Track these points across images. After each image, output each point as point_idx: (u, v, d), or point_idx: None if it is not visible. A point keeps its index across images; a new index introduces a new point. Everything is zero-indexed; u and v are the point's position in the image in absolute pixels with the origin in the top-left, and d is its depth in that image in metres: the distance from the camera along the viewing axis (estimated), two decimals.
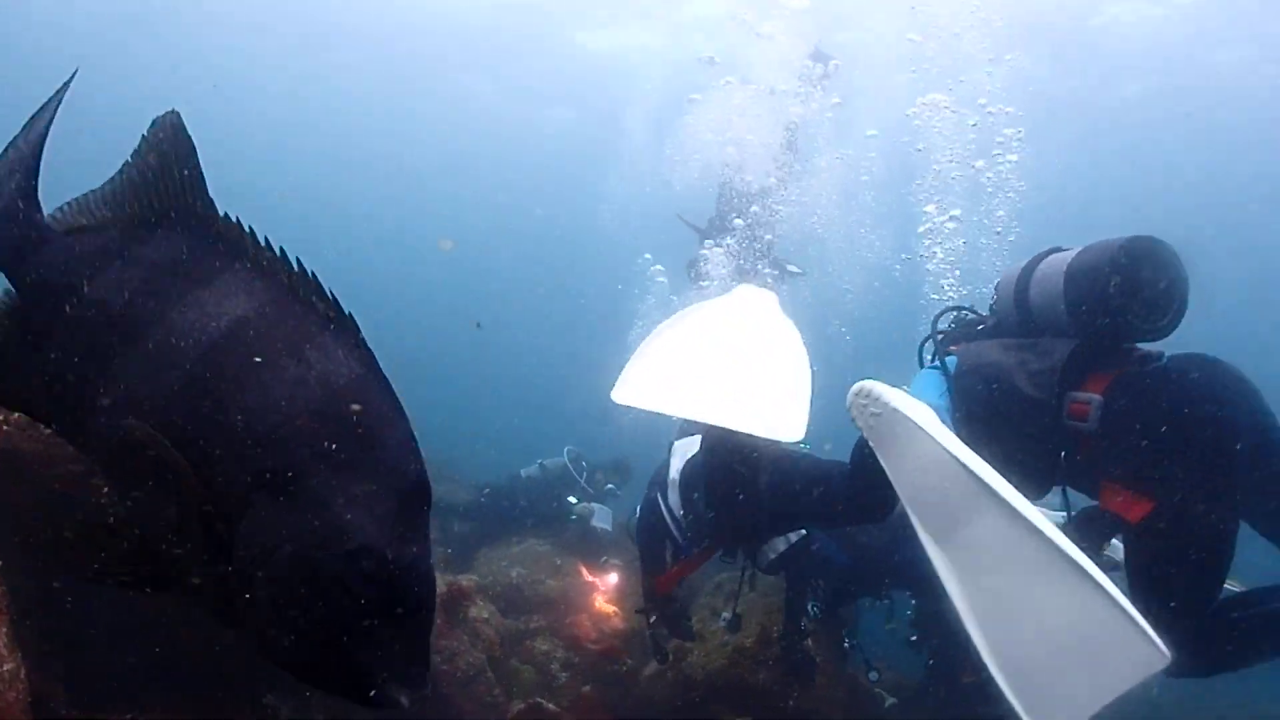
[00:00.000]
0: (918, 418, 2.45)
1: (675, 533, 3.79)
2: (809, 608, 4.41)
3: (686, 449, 3.84)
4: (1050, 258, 2.99)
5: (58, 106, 1.72)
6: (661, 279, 9.52)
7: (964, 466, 2.31)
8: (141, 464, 1.30)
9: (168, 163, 1.56)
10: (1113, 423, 2.66)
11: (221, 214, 1.53)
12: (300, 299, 1.44)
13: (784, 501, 3.32)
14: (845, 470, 3.04)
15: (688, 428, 4.14)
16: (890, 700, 5.57)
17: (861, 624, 5.43)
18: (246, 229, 1.50)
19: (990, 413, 2.87)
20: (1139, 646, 2.05)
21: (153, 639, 2.83)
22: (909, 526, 2.56)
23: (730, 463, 3.37)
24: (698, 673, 4.30)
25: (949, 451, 2.34)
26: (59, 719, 2.63)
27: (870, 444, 2.61)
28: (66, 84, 1.77)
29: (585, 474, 7.62)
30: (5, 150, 1.68)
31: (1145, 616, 2.58)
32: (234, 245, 1.49)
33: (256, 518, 1.28)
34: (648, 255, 9.85)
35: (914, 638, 5.33)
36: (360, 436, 1.32)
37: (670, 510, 3.76)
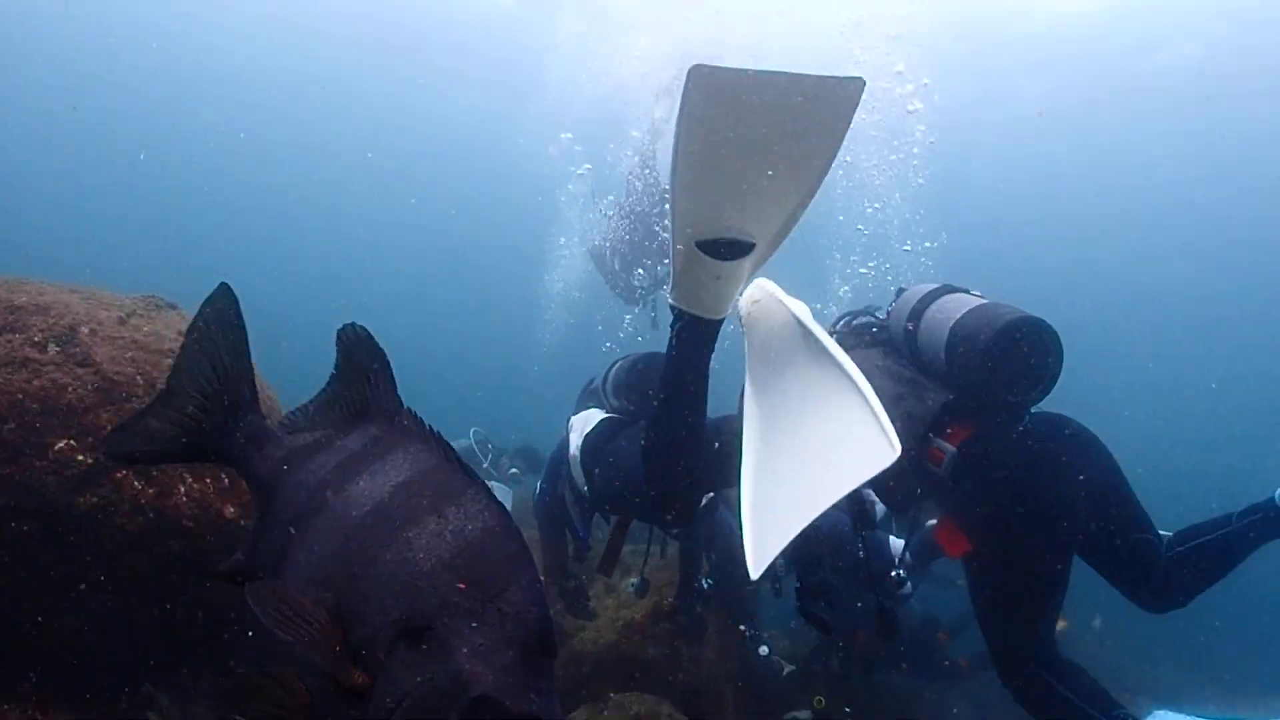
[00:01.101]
0: (790, 302, 2.71)
1: (574, 516, 3.92)
2: (702, 581, 4.60)
3: (585, 423, 3.94)
4: (944, 300, 3.16)
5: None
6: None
7: (804, 327, 2.61)
8: (289, 618, 1.40)
9: (362, 370, 1.83)
10: (960, 474, 3.01)
11: (405, 407, 1.78)
12: (449, 466, 1.62)
13: (612, 485, 3.52)
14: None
15: (585, 401, 4.25)
16: (789, 668, 5.83)
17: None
18: (417, 417, 1.75)
19: None
20: (872, 440, 2.23)
21: (20, 632, 2.85)
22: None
23: (598, 441, 3.56)
24: (588, 647, 4.44)
25: (798, 318, 2.64)
26: None
27: (745, 329, 2.85)
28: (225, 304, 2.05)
29: (490, 457, 7.70)
30: (214, 366, 1.99)
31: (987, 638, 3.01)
32: (407, 429, 1.73)
33: (393, 667, 1.33)
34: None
35: (802, 608, 5.58)
36: (484, 586, 1.38)
37: (572, 489, 3.89)
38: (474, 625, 1.33)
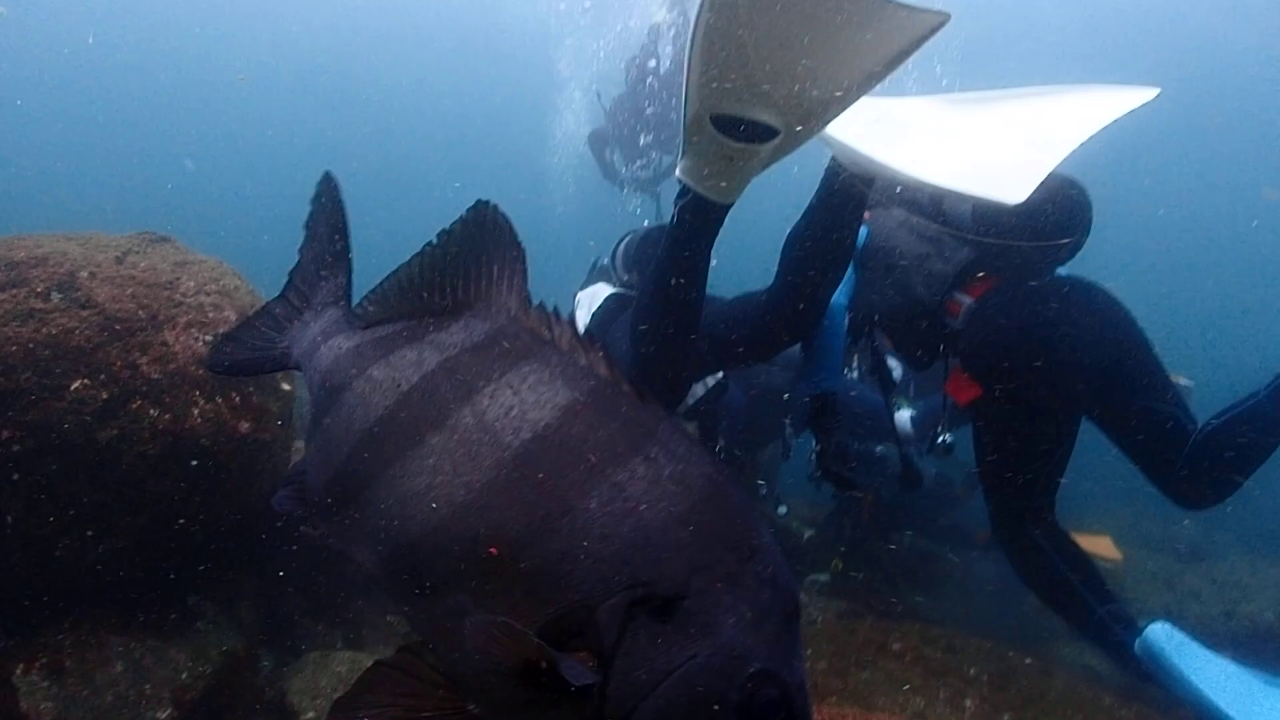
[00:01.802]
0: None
1: None
2: (717, 450, 4.84)
3: (592, 300, 4.06)
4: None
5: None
6: None
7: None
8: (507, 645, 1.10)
9: (478, 254, 1.46)
10: (974, 324, 3.01)
11: (536, 303, 1.43)
12: (627, 391, 1.29)
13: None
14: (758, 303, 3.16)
15: (594, 277, 4.39)
16: (809, 532, 6.11)
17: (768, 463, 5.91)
18: (563, 318, 1.39)
19: (886, 303, 3.19)
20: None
21: (62, 564, 3.13)
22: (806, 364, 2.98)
23: (602, 320, 3.64)
24: None
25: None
26: None
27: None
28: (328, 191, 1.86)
29: None
30: (316, 263, 1.82)
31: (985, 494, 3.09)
32: (537, 332, 1.38)
33: (636, 645, 1.11)
34: None
35: (816, 474, 5.83)
36: (734, 545, 1.18)
37: None
38: (736, 592, 1.14)
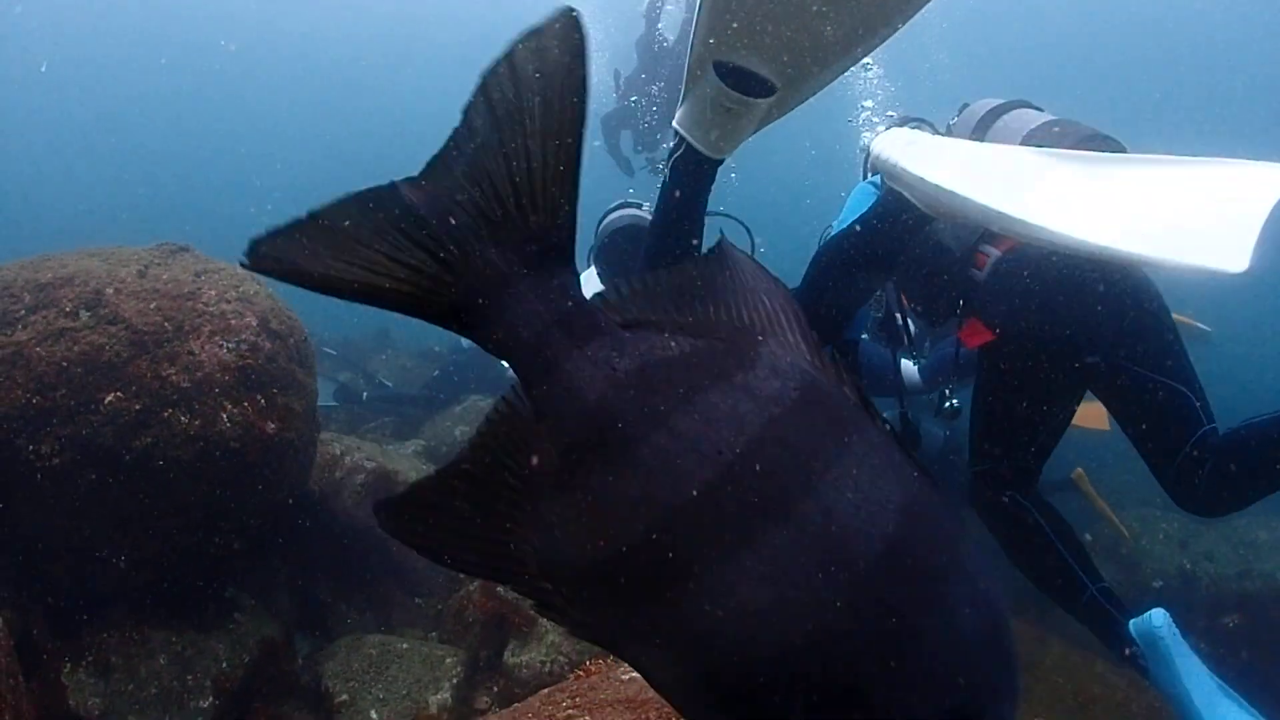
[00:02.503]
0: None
1: None
2: None
3: (588, 280, 4.15)
4: (1017, 113, 3.06)
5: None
6: None
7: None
8: None
9: (745, 282, 1.15)
10: (998, 275, 3.00)
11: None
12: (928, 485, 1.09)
13: None
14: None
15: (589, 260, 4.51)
16: None
17: None
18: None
19: (911, 253, 3.14)
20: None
21: (107, 566, 3.36)
22: None
23: None
24: None
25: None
26: (45, 651, 3.17)
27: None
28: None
29: None
30: (514, 160, 1.04)
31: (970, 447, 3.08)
32: (846, 394, 1.12)
33: None
34: None
35: None
36: (1012, 669, 1.01)
37: None
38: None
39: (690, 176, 2.51)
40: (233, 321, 3.54)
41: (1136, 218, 2.13)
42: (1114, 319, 2.86)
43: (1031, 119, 2.98)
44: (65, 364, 3.17)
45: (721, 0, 2.10)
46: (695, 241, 2.66)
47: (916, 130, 2.59)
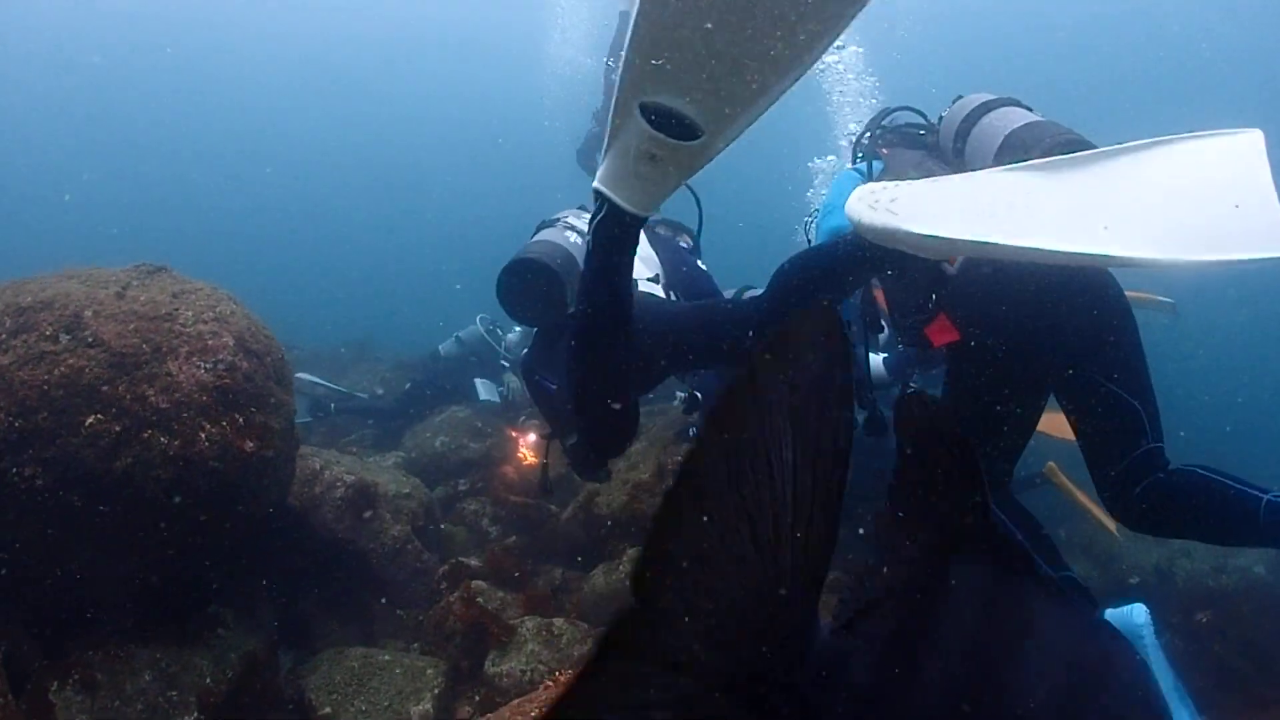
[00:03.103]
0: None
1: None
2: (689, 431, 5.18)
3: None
4: (1003, 111, 3.09)
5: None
6: None
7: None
8: None
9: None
10: (968, 271, 3.06)
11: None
12: None
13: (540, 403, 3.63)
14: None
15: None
16: None
17: None
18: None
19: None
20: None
21: (91, 585, 3.45)
22: None
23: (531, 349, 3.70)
24: (603, 510, 4.99)
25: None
26: (33, 670, 3.26)
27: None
28: None
29: (503, 341, 8.04)
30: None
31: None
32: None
33: None
34: None
35: None
36: None
37: None
38: None
39: (615, 240, 2.51)
40: (210, 342, 3.63)
41: (1170, 221, 2.28)
42: (1079, 325, 2.92)
43: (1015, 118, 3.03)
44: (46, 387, 3.25)
45: (649, 41, 2.08)
46: (624, 315, 2.64)
47: (883, 185, 2.61)
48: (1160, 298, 6.53)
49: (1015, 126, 2.97)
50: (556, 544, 5.30)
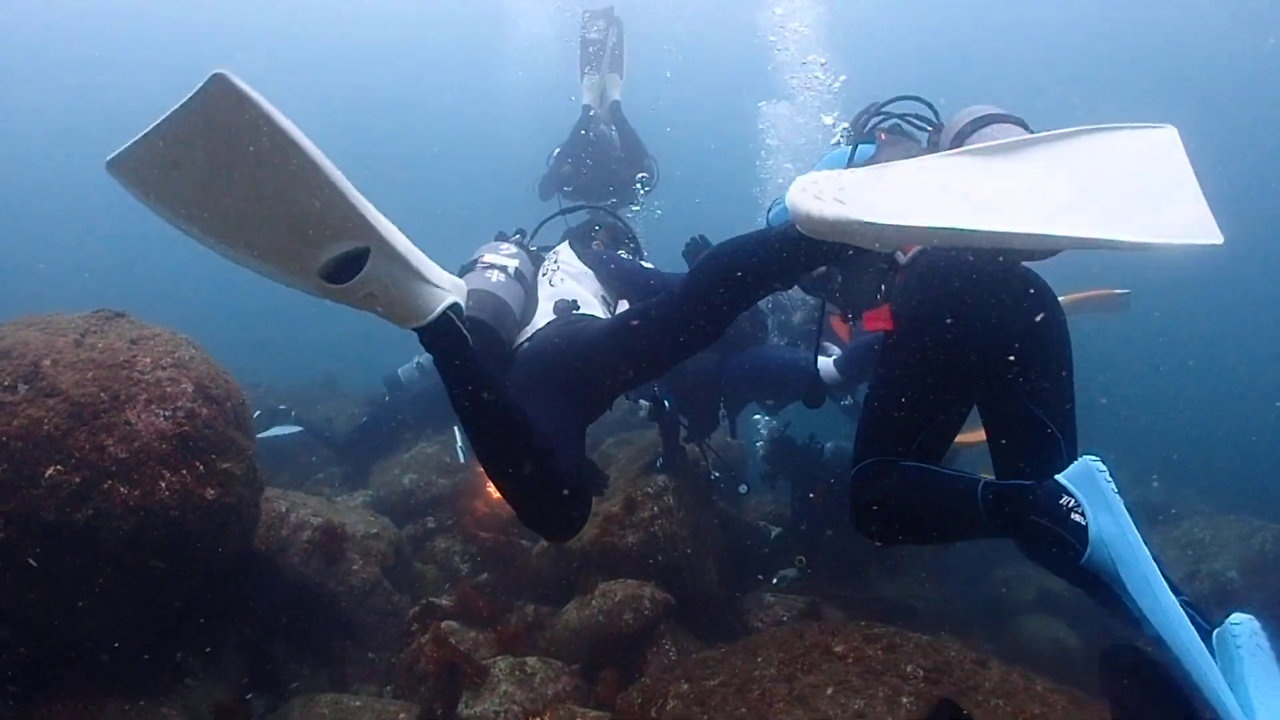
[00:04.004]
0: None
1: None
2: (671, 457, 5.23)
3: None
4: (1004, 127, 3.03)
5: None
6: None
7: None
8: None
9: None
10: (915, 264, 3.09)
11: None
12: None
13: None
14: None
15: None
16: (776, 530, 6.45)
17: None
18: None
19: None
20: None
21: (54, 638, 3.44)
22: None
23: None
24: (574, 544, 5.01)
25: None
26: None
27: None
28: None
29: None
30: None
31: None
32: None
33: None
34: None
35: (765, 470, 6.21)
36: None
37: None
38: None
39: (438, 352, 2.42)
40: (168, 389, 3.65)
41: (1115, 205, 2.31)
42: (1014, 335, 2.92)
43: (1011, 133, 2.96)
44: (5, 438, 3.26)
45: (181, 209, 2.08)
46: (498, 408, 2.55)
47: (824, 175, 2.45)
48: (1115, 290, 6.61)
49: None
50: (528, 579, 5.31)
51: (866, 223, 2.30)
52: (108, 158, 1.94)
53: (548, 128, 8.82)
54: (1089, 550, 2.44)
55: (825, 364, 5.25)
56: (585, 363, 3.06)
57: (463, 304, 2.46)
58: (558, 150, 8.31)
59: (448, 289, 2.39)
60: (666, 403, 4.73)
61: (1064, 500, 2.51)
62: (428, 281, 2.32)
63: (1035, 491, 2.57)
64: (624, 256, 4.06)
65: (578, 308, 3.45)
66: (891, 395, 3.01)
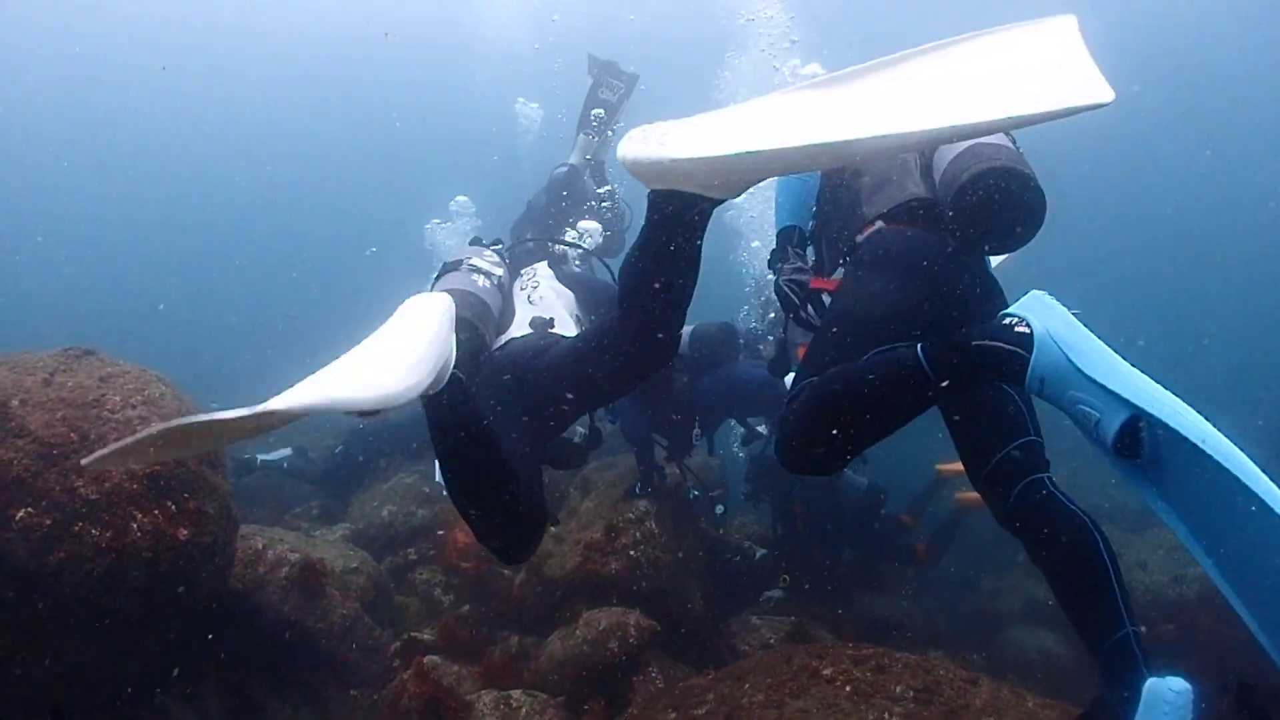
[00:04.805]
0: None
1: None
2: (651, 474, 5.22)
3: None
4: (975, 148, 2.97)
5: None
6: None
7: None
8: None
9: None
10: (870, 242, 3.10)
11: None
12: None
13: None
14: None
15: None
16: (761, 552, 6.45)
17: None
18: None
19: (836, 204, 3.39)
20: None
21: (30, 680, 3.38)
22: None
23: None
24: (556, 573, 4.98)
25: None
26: None
27: None
28: None
29: None
30: None
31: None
32: None
33: None
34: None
35: (747, 489, 6.21)
36: None
37: None
38: None
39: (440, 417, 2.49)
40: (138, 428, 3.60)
41: (983, 90, 2.20)
42: (961, 307, 2.89)
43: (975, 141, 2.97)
44: None
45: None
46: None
47: (654, 124, 2.46)
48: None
49: (961, 149, 2.94)
50: (511, 610, 5.27)
51: (676, 159, 2.31)
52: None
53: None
54: (1036, 348, 2.35)
55: (789, 383, 5.25)
56: (550, 380, 3.12)
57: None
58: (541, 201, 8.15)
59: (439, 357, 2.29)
60: (610, 424, 4.73)
61: (1008, 321, 2.46)
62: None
63: (975, 333, 2.49)
64: (599, 280, 4.08)
65: (553, 325, 3.50)
66: (826, 340, 2.95)
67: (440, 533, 6.25)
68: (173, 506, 3.59)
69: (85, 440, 3.50)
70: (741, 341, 5.74)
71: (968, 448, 2.94)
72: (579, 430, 4.34)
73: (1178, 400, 2.21)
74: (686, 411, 5.45)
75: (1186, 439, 2.15)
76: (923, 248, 2.97)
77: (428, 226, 9.57)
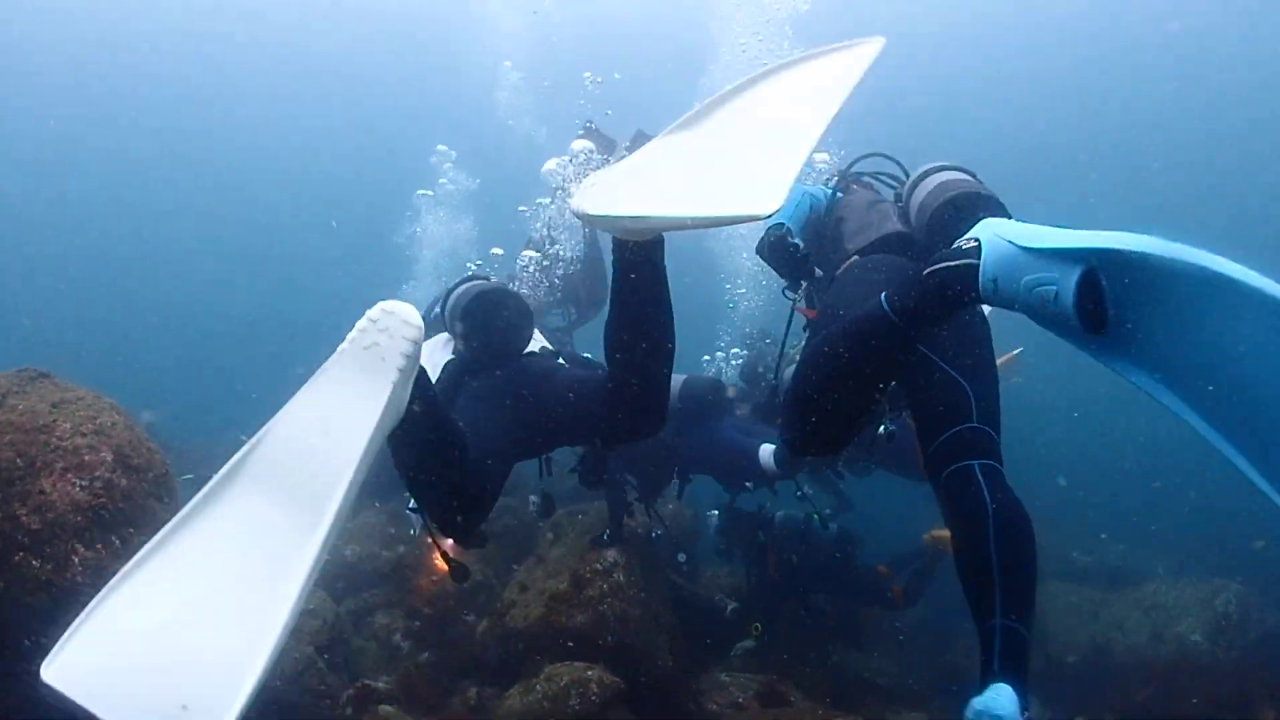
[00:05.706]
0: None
1: None
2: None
3: (431, 353, 4.06)
4: (942, 174, 3.20)
5: None
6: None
7: None
8: None
9: None
10: (849, 270, 3.25)
11: None
12: None
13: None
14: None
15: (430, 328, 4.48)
16: (732, 605, 6.34)
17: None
18: None
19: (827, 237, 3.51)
20: None
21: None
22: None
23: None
24: (519, 624, 4.85)
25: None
26: None
27: None
28: None
29: None
30: None
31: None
32: None
33: None
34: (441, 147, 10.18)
35: (721, 546, 6.14)
36: None
37: None
38: None
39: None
40: (87, 457, 3.49)
41: (708, 181, 2.37)
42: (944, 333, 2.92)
43: (944, 180, 3.13)
44: None
45: None
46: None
47: (597, 173, 2.68)
48: (1011, 354, 6.48)
49: (932, 186, 3.12)
50: (472, 660, 5.13)
51: (587, 214, 2.46)
52: None
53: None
54: (984, 248, 2.36)
55: (765, 453, 5.24)
56: (553, 405, 3.30)
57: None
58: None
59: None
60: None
61: (957, 244, 2.49)
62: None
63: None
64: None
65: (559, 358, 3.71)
66: (815, 376, 2.90)
67: (404, 576, 6.11)
68: (117, 542, 3.46)
69: (32, 468, 3.38)
70: (731, 396, 5.75)
71: (923, 425, 2.92)
72: (532, 500, 4.35)
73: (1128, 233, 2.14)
74: (665, 462, 5.39)
75: (1146, 258, 2.08)
76: (900, 261, 3.13)
77: (417, 195, 9.64)
